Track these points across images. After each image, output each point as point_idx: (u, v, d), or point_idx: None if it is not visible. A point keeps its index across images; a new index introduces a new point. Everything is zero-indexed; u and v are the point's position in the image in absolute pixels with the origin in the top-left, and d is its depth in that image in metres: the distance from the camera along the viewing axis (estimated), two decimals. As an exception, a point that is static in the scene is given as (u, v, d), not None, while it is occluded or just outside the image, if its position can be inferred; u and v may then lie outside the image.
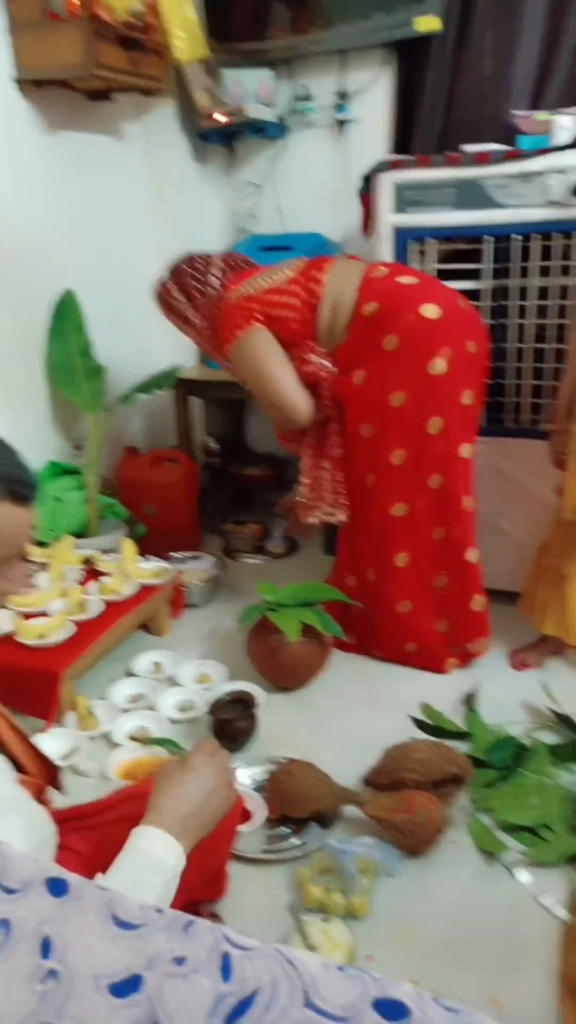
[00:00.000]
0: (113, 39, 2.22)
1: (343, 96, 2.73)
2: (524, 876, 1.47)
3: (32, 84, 2.26)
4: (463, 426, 1.95)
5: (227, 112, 2.70)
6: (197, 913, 1.11)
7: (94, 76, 2.18)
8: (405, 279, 1.92)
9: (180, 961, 0.45)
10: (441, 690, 2.04)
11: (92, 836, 1.16)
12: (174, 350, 3.08)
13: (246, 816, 1.58)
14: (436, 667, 2.13)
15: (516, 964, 1.31)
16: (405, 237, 2.17)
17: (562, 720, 1.84)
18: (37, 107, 2.35)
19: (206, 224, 3.09)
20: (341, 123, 2.76)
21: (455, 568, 2.05)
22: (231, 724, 1.83)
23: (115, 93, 2.56)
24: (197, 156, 2.97)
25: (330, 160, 2.84)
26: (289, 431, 2.11)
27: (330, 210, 2.89)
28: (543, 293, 2.10)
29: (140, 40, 2.32)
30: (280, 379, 1.98)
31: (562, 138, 2.00)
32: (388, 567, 2.05)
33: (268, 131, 2.78)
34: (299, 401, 1.99)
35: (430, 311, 1.84)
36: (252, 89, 2.75)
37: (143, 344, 3.01)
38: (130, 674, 2.16)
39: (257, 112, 2.68)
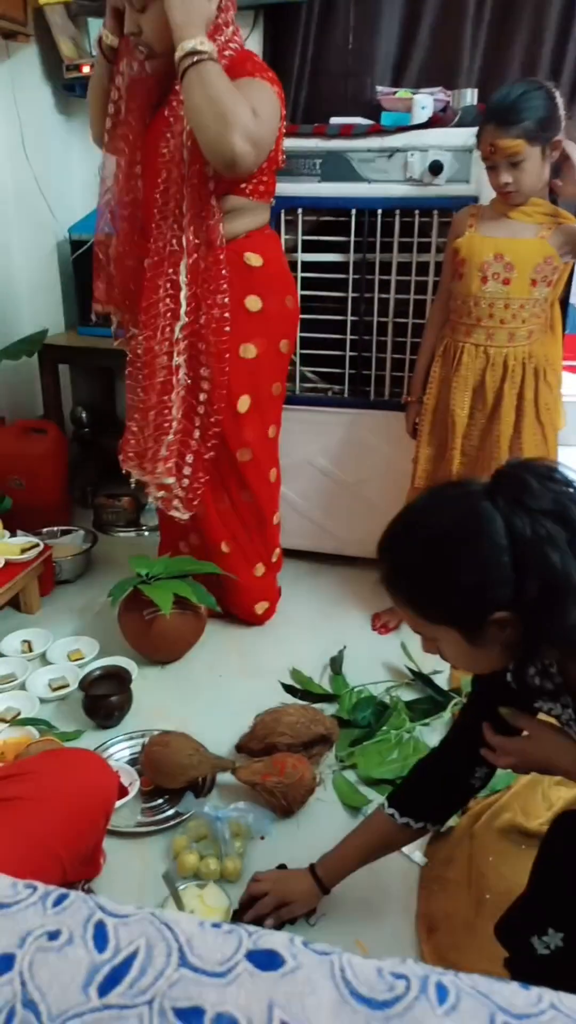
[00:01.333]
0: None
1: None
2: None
3: None
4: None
5: (92, 63, 2.57)
6: (71, 889, 1.10)
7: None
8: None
9: (53, 935, 0.45)
10: (310, 655, 2.11)
11: (-42, 820, 1.13)
12: (40, 314, 2.95)
13: (123, 792, 1.58)
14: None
15: (379, 909, 1.39)
16: (277, 206, 2.17)
17: (419, 677, 1.96)
18: None
19: (73, 182, 2.95)
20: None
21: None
22: (104, 700, 1.81)
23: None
24: (62, 108, 2.83)
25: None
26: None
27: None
28: (404, 268, 2.17)
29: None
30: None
31: (421, 117, 2.07)
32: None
33: (135, 88, 2.68)
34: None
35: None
36: (117, 42, 2.63)
37: (6, 306, 2.86)
38: (-2, 654, 2.08)
39: (122, 67, 2.58)
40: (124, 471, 2.00)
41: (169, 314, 1.82)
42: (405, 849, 1.49)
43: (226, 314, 1.81)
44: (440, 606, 0.94)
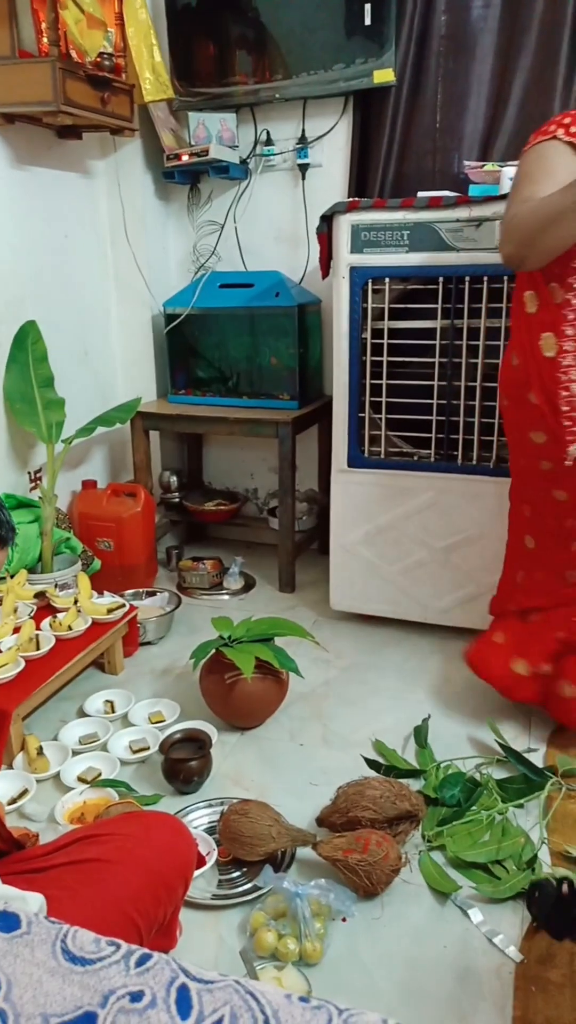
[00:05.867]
0: (83, 77, 2.26)
1: (303, 141, 2.80)
2: (477, 915, 1.45)
3: (1, 117, 2.27)
4: None
5: (191, 152, 2.75)
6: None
7: (63, 112, 2.21)
8: None
9: (136, 997, 0.42)
10: (394, 727, 2.03)
11: (38, 879, 1.11)
12: (134, 383, 3.09)
13: (201, 862, 1.53)
14: None
15: (470, 1006, 1.28)
16: (362, 276, 2.23)
17: (510, 754, 1.85)
18: (6, 141, 2.36)
19: (168, 261, 3.12)
20: (302, 167, 2.83)
21: None
22: (183, 764, 1.79)
23: (84, 131, 2.59)
24: (161, 194, 3.01)
25: (291, 201, 2.90)
26: None
27: (289, 250, 2.95)
28: (492, 334, 2.16)
29: (109, 79, 2.37)
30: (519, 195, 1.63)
31: (509, 188, 2.09)
32: None
33: (231, 172, 2.84)
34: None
35: None
36: (215, 131, 2.81)
37: (105, 375, 3.01)
38: (82, 713, 2.10)
39: (220, 153, 2.74)
40: None
41: None
42: (498, 941, 1.39)
43: None
44: None
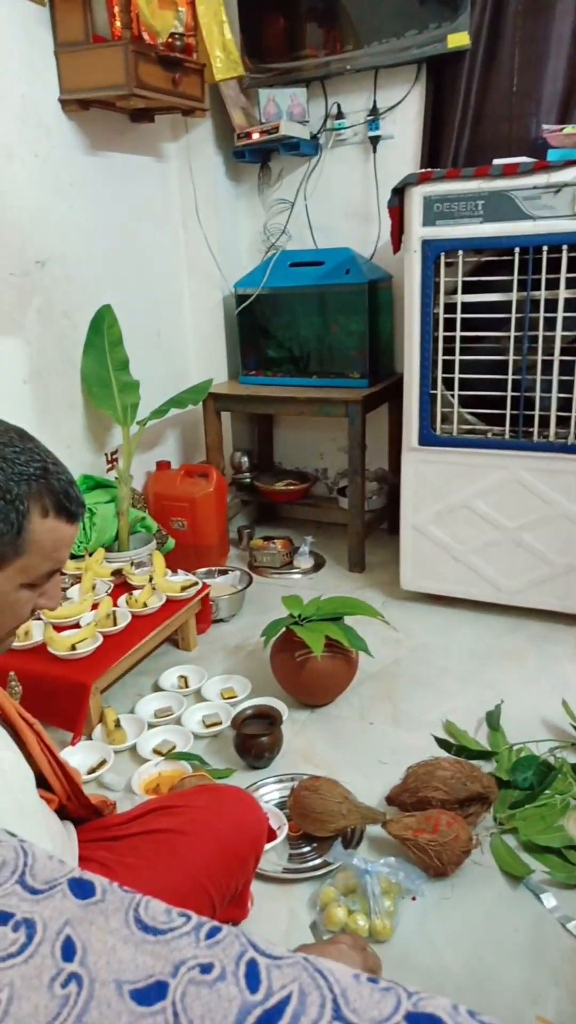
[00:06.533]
0: (155, 59, 2.27)
1: (375, 113, 2.75)
2: (550, 900, 1.43)
3: (76, 104, 2.31)
4: None
5: (261, 130, 2.74)
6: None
7: (135, 95, 2.22)
8: None
9: (206, 968, 0.44)
10: (464, 708, 2.01)
11: (116, 847, 1.16)
12: (206, 365, 3.11)
13: (272, 836, 1.56)
14: None
15: (542, 991, 1.27)
16: (435, 249, 2.18)
17: (588, 739, 1.80)
18: (81, 127, 2.40)
19: (239, 240, 3.12)
20: (373, 140, 2.77)
21: None
22: (255, 739, 1.82)
23: (156, 113, 2.61)
24: (231, 174, 3.01)
25: (361, 176, 2.86)
26: None
27: (360, 226, 2.91)
28: (571, 305, 2.08)
29: (181, 60, 2.37)
30: None
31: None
32: None
33: (301, 148, 2.81)
34: None
35: None
36: (286, 107, 2.78)
37: (177, 357, 3.04)
38: (157, 688, 2.16)
39: (290, 129, 2.71)
40: None
41: None
42: (572, 927, 1.37)
43: None
44: None
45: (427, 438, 2.36)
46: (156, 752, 1.87)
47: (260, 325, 2.97)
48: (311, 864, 1.54)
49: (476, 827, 1.58)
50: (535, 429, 2.23)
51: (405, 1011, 0.42)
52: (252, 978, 0.43)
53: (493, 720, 1.94)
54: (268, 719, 1.88)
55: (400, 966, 1.31)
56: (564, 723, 1.89)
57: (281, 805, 1.69)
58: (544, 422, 2.21)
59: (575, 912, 1.40)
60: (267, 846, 1.47)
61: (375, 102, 2.74)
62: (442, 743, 1.83)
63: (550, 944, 1.35)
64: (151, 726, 1.97)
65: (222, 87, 2.76)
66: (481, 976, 1.30)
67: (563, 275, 2.06)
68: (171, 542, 2.70)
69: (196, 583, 2.32)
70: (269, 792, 1.74)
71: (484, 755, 1.81)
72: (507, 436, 2.27)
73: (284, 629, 2.00)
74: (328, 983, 0.43)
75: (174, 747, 1.89)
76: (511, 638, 2.34)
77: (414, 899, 1.44)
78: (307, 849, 1.58)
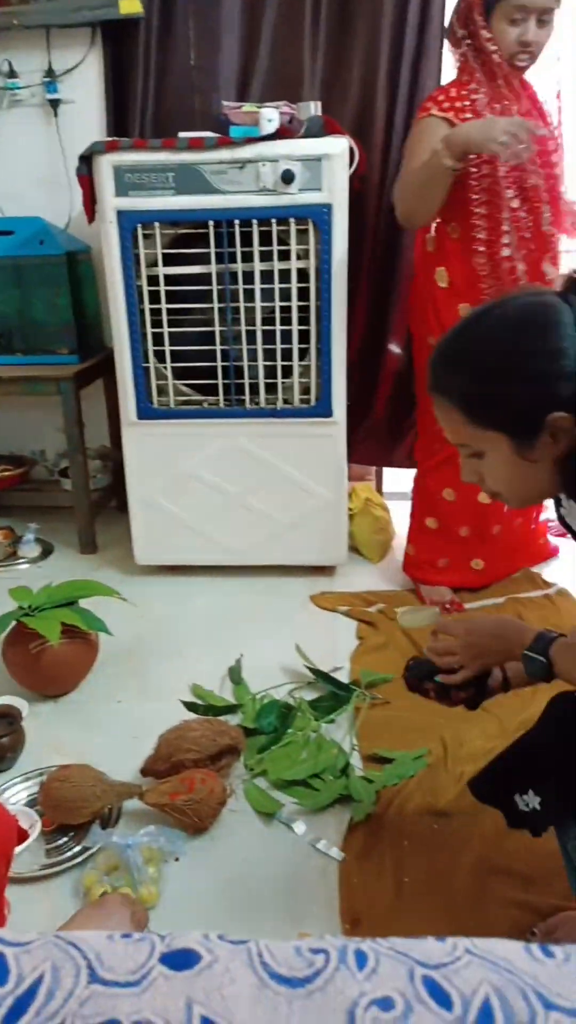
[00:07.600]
0: None
1: (51, 74, 2.62)
2: (300, 827, 1.55)
3: None
4: None
5: None
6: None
7: None
8: None
9: (-53, 976, 0.41)
10: (209, 671, 2.08)
11: None
12: None
13: (23, 836, 1.49)
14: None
15: (303, 910, 1.38)
16: (131, 221, 2.16)
17: (318, 675, 1.98)
18: None
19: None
20: (53, 103, 2.65)
21: None
22: (-6, 741, 1.71)
23: None
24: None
25: (45, 140, 2.72)
26: None
27: (50, 194, 2.77)
28: (267, 277, 2.20)
29: None
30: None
31: (269, 129, 2.10)
32: None
33: (-29, 107, 2.60)
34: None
35: None
36: (-51, 60, 2.55)
37: None
38: None
39: (-45, 85, 2.49)
40: None
41: None
42: (321, 846, 1.50)
43: None
44: (496, 403, 0.94)
45: (145, 411, 2.36)
46: None
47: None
48: (70, 854, 1.51)
49: (229, 778, 1.66)
50: (247, 397, 2.33)
51: (160, 953, 0.43)
52: (1, 972, 0.42)
53: (235, 675, 2.03)
54: (7, 719, 1.78)
55: (171, 925, 1.34)
56: (299, 666, 2.05)
57: (32, 803, 1.62)
58: (254, 389, 2.33)
59: (323, 833, 1.54)
60: (18, 848, 1.41)
61: (50, 63, 2.62)
62: (189, 706, 1.88)
63: (304, 866, 1.47)
64: None
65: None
66: (248, 911, 1.38)
67: (256, 248, 2.16)
68: None
69: None
70: (16, 793, 1.66)
71: (231, 709, 1.89)
72: (222, 405, 2.35)
73: (14, 623, 1.90)
74: (81, 951, 0.43)
75: None
76: (246, 596, 2.45)
77: (177, 859, 1.48)
78: (64, 840, 1.54)
